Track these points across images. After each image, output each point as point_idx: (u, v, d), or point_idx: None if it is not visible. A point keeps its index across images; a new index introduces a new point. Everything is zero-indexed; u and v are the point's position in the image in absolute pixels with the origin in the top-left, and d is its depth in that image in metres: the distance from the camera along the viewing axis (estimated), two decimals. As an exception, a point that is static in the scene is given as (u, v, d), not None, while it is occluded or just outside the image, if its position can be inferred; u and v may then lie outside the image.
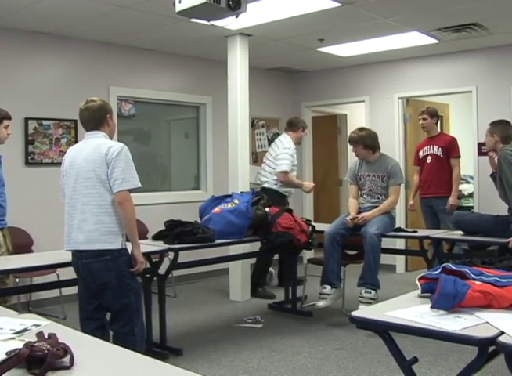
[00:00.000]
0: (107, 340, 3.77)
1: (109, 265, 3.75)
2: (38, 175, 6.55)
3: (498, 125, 5.34)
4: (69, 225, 3.84)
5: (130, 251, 3.89)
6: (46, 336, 1.99)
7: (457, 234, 5.52)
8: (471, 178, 8.66)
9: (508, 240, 4.82)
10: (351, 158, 9.64)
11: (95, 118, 3.91)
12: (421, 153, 7.22)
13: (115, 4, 5.61)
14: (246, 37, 6.97)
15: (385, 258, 7.73)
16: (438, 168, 7.06)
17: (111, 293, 3.82)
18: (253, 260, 7.27)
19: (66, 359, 1.85)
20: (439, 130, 7.70)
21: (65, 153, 4.07)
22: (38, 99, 6.64)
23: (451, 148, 7.02)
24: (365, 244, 5.72)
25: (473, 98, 7.79)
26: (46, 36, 6.70)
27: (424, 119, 7.16)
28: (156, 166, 8.31)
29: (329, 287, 5.79)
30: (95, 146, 3.81)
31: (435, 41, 7.21)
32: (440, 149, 7.04)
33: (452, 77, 7.99)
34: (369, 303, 5.56)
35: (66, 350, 1.88)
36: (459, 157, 7.02)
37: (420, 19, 6.33)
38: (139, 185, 3.80)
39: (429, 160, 7.12)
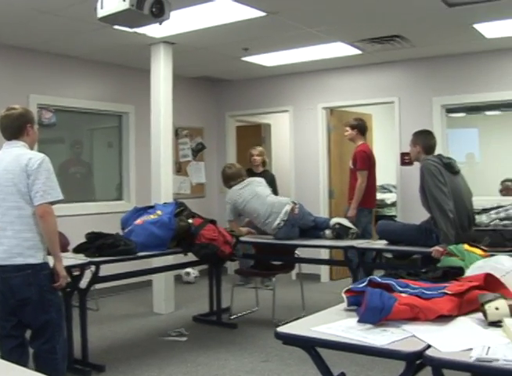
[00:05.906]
0: (27, 358, 3.71)
1: (29, 279, 3.61)
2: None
3: (420, 135, 5.42)
4: None
5: (52, 265, 3.75)
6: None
7: (381, 244, 5.57)
8: (394, 187, 8.80)
9: (431, 249, 4.88)
10: (275, 167, 9.71)
11: (15, 127, 3.77)
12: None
13: (35, 9, 5.41)
14: (170, 45, 6.88)
15: (309, 268, 7.79)
16: (350, 178, 7.34)
17: (32, 309, 3.67)
18: (176, 272, 7.15)
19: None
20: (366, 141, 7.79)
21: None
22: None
23: (355, 160, 7.19)
24: None
25: (395, 108, 7.94)
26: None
27: (346, 130, 7.40)
28: (77, 176, 8.08)
29: None
30: (14, 156, 3.67)
31: (359, 52, 7.29)
32: (351, 160, 7.29)
33: (375, 87, 8.12)
34: None
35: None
36: (362, 169, 7.07)
37: (345, 30, 6.39)
38: (61, 197, 3.69)
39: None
